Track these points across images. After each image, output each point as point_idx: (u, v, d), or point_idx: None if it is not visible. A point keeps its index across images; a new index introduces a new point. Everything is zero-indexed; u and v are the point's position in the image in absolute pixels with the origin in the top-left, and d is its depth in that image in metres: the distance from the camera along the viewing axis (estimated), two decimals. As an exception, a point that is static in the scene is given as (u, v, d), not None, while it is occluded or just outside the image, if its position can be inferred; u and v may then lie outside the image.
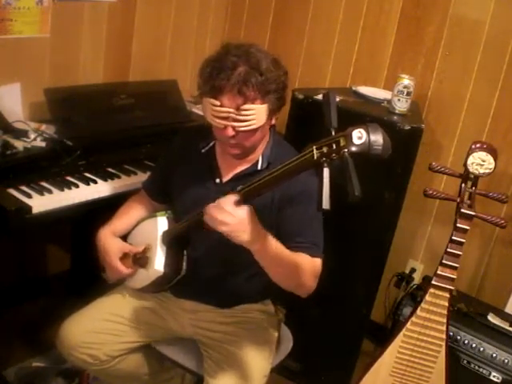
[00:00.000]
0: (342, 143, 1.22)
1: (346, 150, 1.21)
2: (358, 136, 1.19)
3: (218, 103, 1.61)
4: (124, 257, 1.88)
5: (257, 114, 1.61)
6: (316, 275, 1.69)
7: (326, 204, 1.23)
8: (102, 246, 1.87)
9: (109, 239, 1.88)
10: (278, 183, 1.41)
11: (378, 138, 1.20)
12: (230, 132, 1.63)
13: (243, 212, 1.43)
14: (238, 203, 1.43)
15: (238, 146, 1.69)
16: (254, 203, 1.47)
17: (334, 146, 1.23)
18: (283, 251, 1.58)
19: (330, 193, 1.24)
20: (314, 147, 1.26)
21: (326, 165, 1.24)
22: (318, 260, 1.69)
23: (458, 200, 1.99)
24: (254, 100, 1.60)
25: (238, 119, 1.61)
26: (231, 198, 1.43)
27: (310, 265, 1.66)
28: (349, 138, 1.21)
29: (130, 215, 1.97)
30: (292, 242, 1.65)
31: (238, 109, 1.59)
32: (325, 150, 1.24)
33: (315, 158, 1.26)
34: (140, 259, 1.85)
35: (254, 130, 1.65)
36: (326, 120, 1.29)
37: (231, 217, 1.41)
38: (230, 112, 1.60)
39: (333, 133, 1.28)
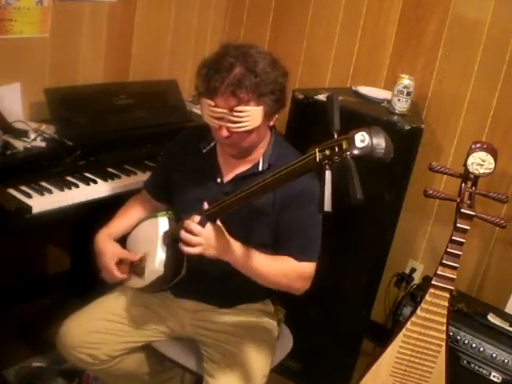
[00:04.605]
0: (345, 146, 1.23)
1: (348, 153, 1.22)
2: (361, 139, 1.20)
3: (212, 104, 1.61)
4: (120, 262, 1.87)
5: (251, 115, 1.61)
6: (305, 278, 1.72)
7: (327, 206, 1.24)
8: (99, 249, 1.86)
9: (106, 242, 1.86)
10: (281, 184, 1.43)
11: (380, 142, 1.20)
12: (225, 133, 1.63)
13: (208, 231, 1.55)
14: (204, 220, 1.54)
15: (234, 146, 1.70)
16: (256, 203, 1.49)
17: (337, 149, 1.24)
18: (259, 258, 1.64)
19: (331, 195, 1.24)
20: (317, 149, 1.27)
21: (328, 167, 1.25)
22: (308, 264, 1.72)
23: (458, 200, 2.00)
24: (248, 102, 1.60)
25: (231, 120, 1.61)
26: (196, 218, 1.55)
27: (295, 269, 1.70)
28: (351, 141, 1.22)
29: (128, 217, 1.97)
30: (283, 246, 1.70)
31: (231, 110, 1.60)
32: (327, 152, 1.26)
33: (318, 160, 1.27)
34: (136, 267, 1.85)
35: (250, 131, 1.65)
36: (329, 122, 1.29)
37: (199, 238, 1.54)
38: (224, 113, 1.60)
39: (335, 135, 1.28)
